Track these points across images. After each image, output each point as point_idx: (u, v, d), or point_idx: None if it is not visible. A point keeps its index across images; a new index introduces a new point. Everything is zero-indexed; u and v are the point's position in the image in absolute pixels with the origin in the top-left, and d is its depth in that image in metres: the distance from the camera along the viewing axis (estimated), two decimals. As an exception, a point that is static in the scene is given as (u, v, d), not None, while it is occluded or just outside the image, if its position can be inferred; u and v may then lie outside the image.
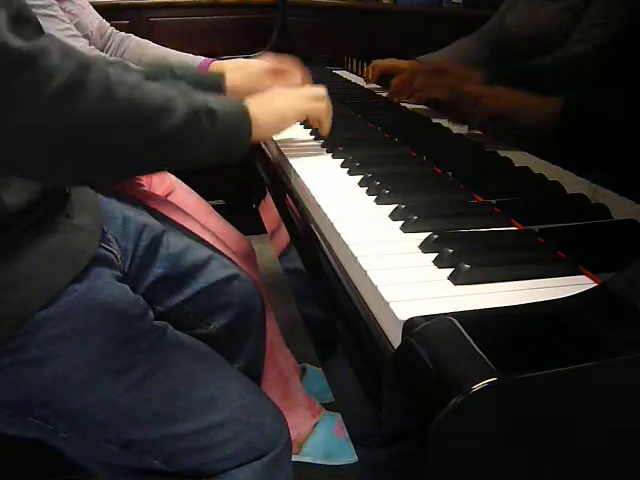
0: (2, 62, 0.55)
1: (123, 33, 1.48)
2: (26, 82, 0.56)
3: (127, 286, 0.83)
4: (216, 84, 1.01)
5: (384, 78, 1.36)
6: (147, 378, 0.76)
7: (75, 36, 1.21)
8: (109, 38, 1.45)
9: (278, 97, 0.88)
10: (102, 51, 1.34)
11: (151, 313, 0.83)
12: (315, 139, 1.01)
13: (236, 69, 1.21)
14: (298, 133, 1.04)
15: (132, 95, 0.63)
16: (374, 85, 1.42)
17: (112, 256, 0.86)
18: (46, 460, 0.98)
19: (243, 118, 0.77)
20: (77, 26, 1.31)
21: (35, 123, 0.57)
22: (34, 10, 1.13)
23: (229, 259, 1.09)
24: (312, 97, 0.90)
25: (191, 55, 1.37)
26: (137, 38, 1.46)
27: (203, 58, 1.36)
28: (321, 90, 0.92)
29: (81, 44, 1.21)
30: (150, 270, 0.95)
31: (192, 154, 0.71)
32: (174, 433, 0.77)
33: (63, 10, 1.26)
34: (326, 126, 0.93)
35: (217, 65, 1.35)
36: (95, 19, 1.42)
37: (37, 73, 0.56)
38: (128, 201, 1.02)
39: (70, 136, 0.60)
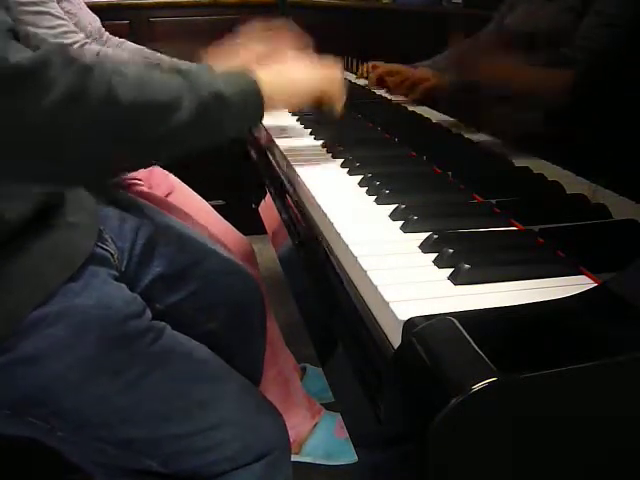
0: (3, 77, 0.56)
1: (117, 38, 1.49)
2: (26, 95, 0.58)
3: (124, 285, 0.83)
4: None
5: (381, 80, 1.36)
6: (143, 378, 0.76)
7: (70, 32, 1.21)
8: (106, 42, 1.45)
9: (292, 70, 0.85)
10: None
11: (149, 312, 0.83)
12: (315, 139, 1.01)
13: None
14: (298, 133, 1.04)
15: (136, 96, 0.63)
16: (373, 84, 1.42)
17: (109, 255, 0.85)
18: (46, 460, 0.98)
19: (254, 94, 0.76)
20: (76, 25, 1.31)
21: (41, 133, 0.59)
22: (24, 7, 1.14)
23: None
24: (328, 76, 0.87)
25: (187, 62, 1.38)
26: (132, 43, 1.47)
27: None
28: (337, 72, 0.88)
29: (76, 39, 1.21)
30: (148, 269, 0.95)
31: (204, 142, 0.73)
32: (171, 434, 0.77)
33: (61, 10, 1.26)
34: (339, 101, 0.87)
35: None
36: (95, 19, 1.43)
37: (36, 86, 0.58)
38: (124, 200, 1.01)
39: (75, 142, 0.61)
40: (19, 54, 0.58)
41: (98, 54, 1.22)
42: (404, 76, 1.22)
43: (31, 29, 1.15)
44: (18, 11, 1.13)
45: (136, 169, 0.90)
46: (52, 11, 1.20)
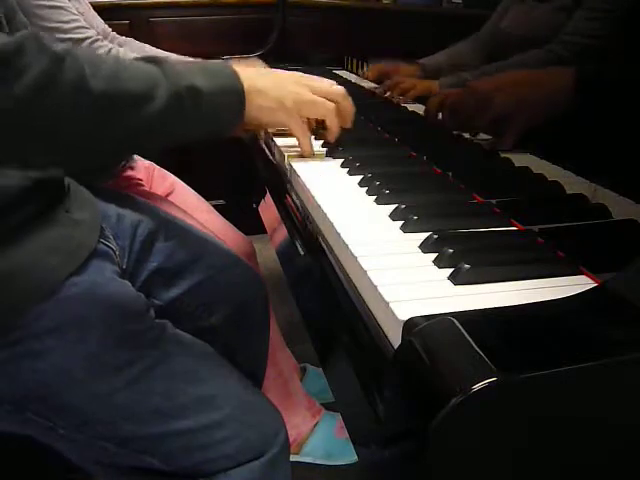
0: None
1: (123, 37, 1.49)
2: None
3: (128, 282, 0.84)
4: None
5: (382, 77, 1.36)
6: (146, 374, 0.76)
7: (82, 27, 1.22)
8: (111, 42, 1.45)
9: (281, 84, 0.79)
10: None
11: (152, 310, 0.84)
12: (315, 139, 1.01)
13: None
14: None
15: (108, 86, 0.64)
16: (373, 85, 1.42)
17: (111, 252, 0.86)
18: (46, 460, 0.98)
19: (235, 95, 0.73)
20: None
21: (12, 117, 0.59)
22: (40, 2, 1.15)
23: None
24: (322, 92, 0.82)
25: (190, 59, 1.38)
26: (136, 42, 1.47)
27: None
28: (339, 90, 0.84)
29: (89, 34, 1.22)
30: (146, 264, 0.95)
31: (174, 137, 0.72)
32: (172, 431, 0.77)
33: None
34: (332, 130, 0.85)
35: None
36: (100, 21, 1.43)
37: (10, 71, 0.58)
38: (123, 198, 1.01)
39: (45, 128, 0.62)
40: None
41: (109, 52, 1.23)
42: (398, 80, 1.23)
43: (44, 23, 1.15)
44: (33, 5, 1.14)
45: (112, 160, 0.91)
46: (66, 6, 1.21)
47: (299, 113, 0.82)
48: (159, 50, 1.42)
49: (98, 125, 0.65)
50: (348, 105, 0.87)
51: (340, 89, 0.85)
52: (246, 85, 0.74)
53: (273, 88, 0.78)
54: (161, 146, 0.80)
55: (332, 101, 0.84)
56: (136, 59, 0.71)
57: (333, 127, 0.86)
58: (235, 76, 0.74)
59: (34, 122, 0.61)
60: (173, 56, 1.38)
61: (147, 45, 1.47)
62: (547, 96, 0.77)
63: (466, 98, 0.92)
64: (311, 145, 0.87)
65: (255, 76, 0.77)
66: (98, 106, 0.64)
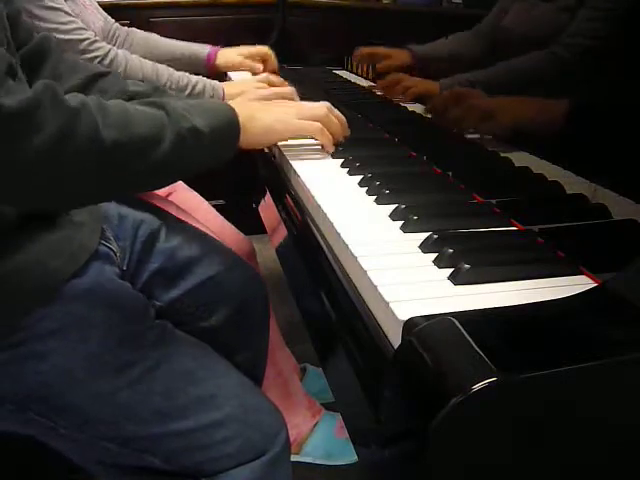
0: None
1: (126, 28, 1.49)
2: (19, 135, 0.60)
3: (128, 283, 0.84)
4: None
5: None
6: (147, 375, 0.76)
7: (81, 29, 1.22)
8: (114, 35, 1.46)
9: (270, 110, 0.88)
10: None
11: (152, 310, 0.84)
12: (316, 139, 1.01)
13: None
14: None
15: (119, 135, 0.67)
16: (373, 84, 1.42)
17: (112, 254, 0.86)
18: (47, 460, 0.98)
19: (231, 130, 0.79)
20: None
21: (32, 169, 0.62)
22: (38, 2, 1.15)
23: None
24: (305, 115, 0.88)
25: (197, 45, 1.40)
26: (141, 32, 1.47)
27: (210, 47, 1.39)
28: (319, 109, 0.90)
29: (87, 35, 1.22)
30: (146, 265, 0.95)
31: (179, 174, 0.78)
32: (174, 430, 0.77)
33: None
34: (325, 144, 0.90)
35: (225, 53, 1.38)
36: (98, 19, 1.43)
37: (28, 126, 0.61)
38: (124, 199, 1.01)
39: (63, 178, 0.65)
40: (14, 96, 0.60)
41: (108, 53, 1.23)
42: (396, 81, 1.23)
43: (44, 24, 1.16)
44: (34, 5, 1.14)
45: (122, 196, 0.96)
46: (64, 8, 1.21)
47: (292, 134, 0.89)
48: (161, 38, 1.42)
49: (112, 171, 0.68)
50: (332, 121, 0.91)
51: (323, 108, 0.90)
52: (241, 117, 0.79)
53: (264, 114, 0.85)
54: (164, 185, 0.86)
55: (317, 120, 0.89)
56: (139, 103, 0.74)
57: (324, 143, 0.91)
58: (231, 112, 0.79)
59: (53, 173, 0.63)
60: (179, 44, 1.38)
61: (153, 34, 1.47)
62: (545, 119, 0.79)
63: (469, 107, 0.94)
64: (329, 139, 0.91)
65: (248, 107, 0.85)
66: (111, 154, 0.66)
